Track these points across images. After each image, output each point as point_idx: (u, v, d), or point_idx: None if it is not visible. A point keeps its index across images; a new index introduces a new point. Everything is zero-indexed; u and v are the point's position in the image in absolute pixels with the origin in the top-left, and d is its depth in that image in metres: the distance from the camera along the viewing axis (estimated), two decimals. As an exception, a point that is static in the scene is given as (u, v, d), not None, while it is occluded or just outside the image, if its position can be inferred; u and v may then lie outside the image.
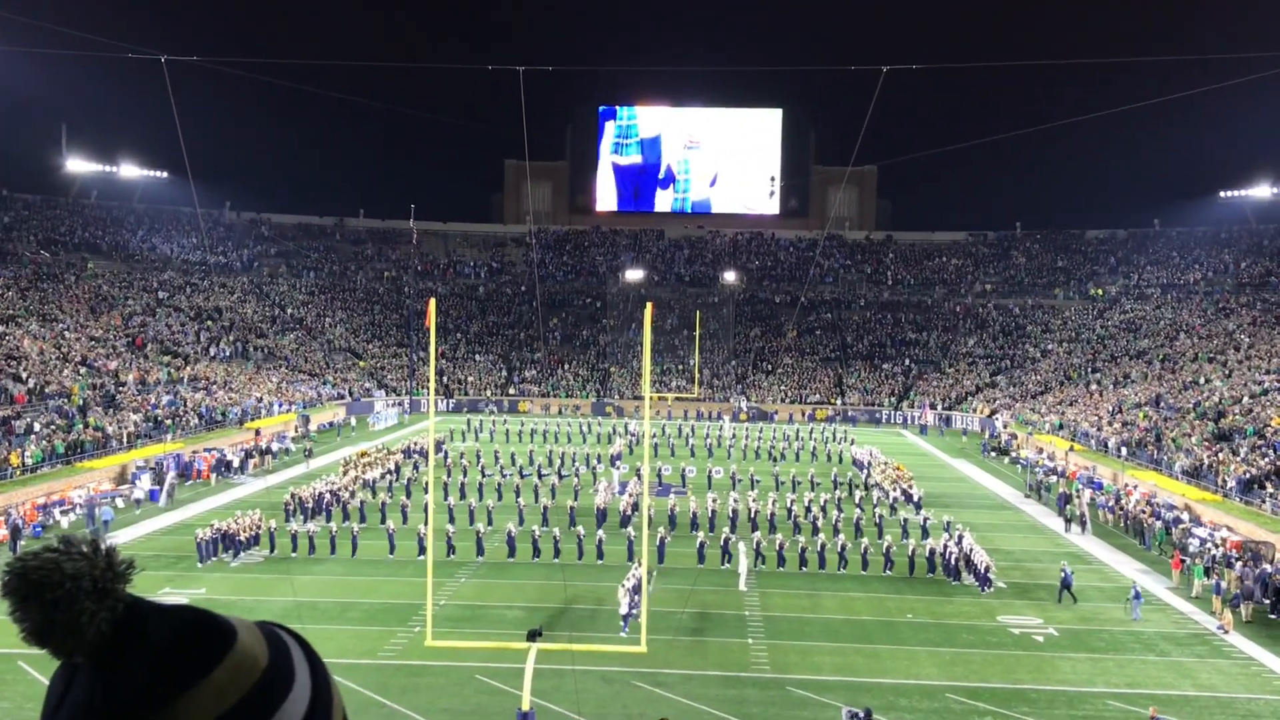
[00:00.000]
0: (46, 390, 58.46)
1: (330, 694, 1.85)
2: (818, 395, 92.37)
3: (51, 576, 1.63)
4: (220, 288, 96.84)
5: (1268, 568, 36.03)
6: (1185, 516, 45.93)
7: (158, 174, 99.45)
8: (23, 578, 1.63)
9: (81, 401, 58.41)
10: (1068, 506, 48.86)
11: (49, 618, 1.62)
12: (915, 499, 49.69)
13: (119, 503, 46.78)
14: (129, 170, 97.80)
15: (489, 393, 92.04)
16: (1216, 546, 39.73)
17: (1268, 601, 34.49)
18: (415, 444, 62.05)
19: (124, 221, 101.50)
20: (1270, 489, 45.99)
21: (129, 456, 53.40)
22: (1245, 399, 61.12)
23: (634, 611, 30.60)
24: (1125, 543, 44.93)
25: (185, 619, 1.73)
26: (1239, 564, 36.99)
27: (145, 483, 49.29)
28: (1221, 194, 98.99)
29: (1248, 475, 48.28)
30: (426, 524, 32.75)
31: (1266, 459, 49.69)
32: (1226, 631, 31.83)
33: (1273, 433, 53.20)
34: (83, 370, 64.72)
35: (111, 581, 1.69)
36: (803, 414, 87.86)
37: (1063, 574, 35.65)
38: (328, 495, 46.20)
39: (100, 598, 1.66)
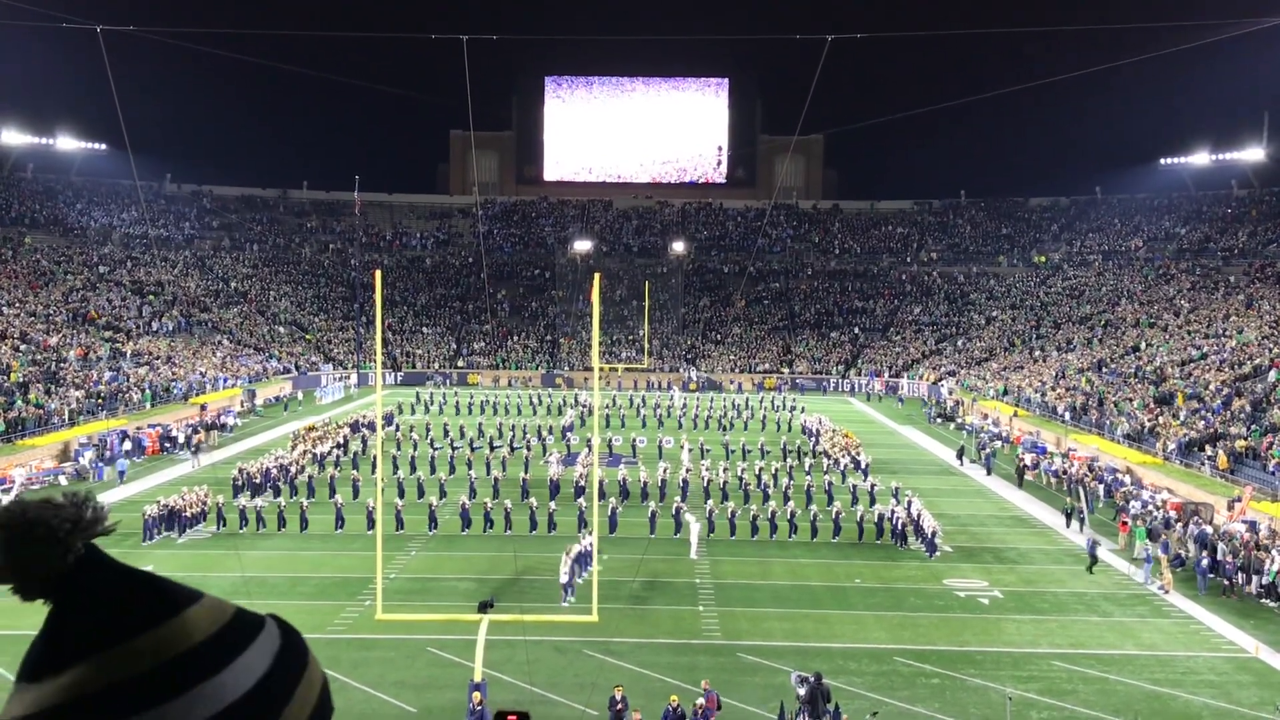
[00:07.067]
0: (-16, 367, 57.39)
1: (288, 697, 1.81)
2: (766, 364, 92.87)
3: (44, 513, 1.63)
4: (162, 261, 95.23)
5: (1206, 528, 36.82)
6: (1127, 480, 46.75)
7: (96, 146, 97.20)
8: (13, 513, 1.64)
9: (21, 378, 57.39)
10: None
11: (34, 552, 1.62)
12: (863, 466, 50.17)
13: (62, 480, 46.11)
14: (66, 143, 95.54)
15: (437, 365, 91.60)
16: (1158, 509, 40.53)
17: (1205, 561, 35.24)
18: (363, 417, 61.54)
19: (62, 195, 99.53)
20: (1209, 452, 46.90)
21: (71, 433, 52.62)
22: (1185, 363, 62.23)
23: (576, 580, 30.75)
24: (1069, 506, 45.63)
25: (137, 579, 1.72)
26: (1179, 525, 37.78)
27: (89, 459, 48.62)
28: (1162, 161, 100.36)
29: (1187, 438, 49.22)
30: (375, 497, 32.64)
31: (1205, 422, 50.66)
32: (1167, 591, 32.52)
33: (1210, 396, 54.24)
34: (22, 346, 63.56)
35: (92, 524, 1.71)
36: (752, 383, 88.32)
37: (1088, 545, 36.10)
38: (275, 470, 45.84)
39: (78, 534, 1.67)
